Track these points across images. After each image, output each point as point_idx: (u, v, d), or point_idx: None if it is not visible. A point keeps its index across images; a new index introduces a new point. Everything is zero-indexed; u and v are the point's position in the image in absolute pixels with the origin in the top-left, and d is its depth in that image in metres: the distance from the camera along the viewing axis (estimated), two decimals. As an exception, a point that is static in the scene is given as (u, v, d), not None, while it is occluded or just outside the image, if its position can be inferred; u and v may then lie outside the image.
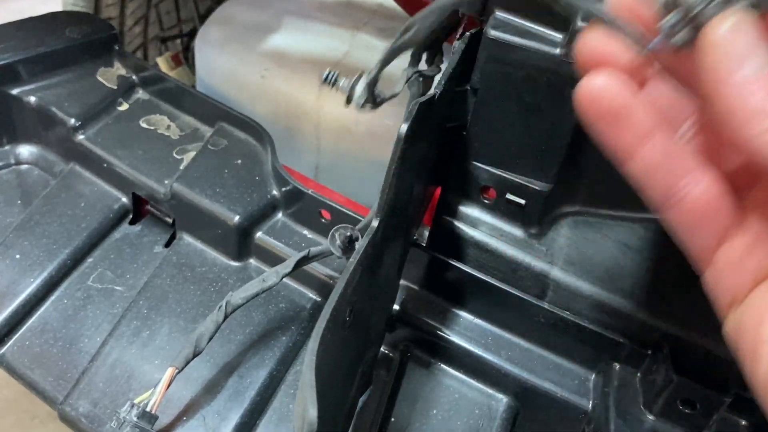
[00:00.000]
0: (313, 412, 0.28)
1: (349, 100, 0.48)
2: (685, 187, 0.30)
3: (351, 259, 0.37)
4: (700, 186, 0.30)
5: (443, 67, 0.64)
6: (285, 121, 0.80)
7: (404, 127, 0.39)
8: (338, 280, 0.36)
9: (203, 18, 1.11)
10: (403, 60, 0.70)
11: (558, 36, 0.47)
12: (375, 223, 0.40)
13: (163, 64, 1.09)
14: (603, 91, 0.30)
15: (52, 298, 0.63)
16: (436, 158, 0.55)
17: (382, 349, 0.59)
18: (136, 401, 0.50)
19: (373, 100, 0.47)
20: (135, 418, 0.49)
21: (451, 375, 0.58)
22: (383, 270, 0.47)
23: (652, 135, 0.30)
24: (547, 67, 0.47)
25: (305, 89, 0.78)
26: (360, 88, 0.47)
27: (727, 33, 0.27)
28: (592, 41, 0.31)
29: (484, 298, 0.56)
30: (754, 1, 0.28)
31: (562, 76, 0.47)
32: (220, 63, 0.84)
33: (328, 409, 0.38)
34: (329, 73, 0.49)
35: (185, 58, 1.16)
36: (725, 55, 0.27)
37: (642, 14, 0.30)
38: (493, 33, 0.48)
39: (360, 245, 0.39)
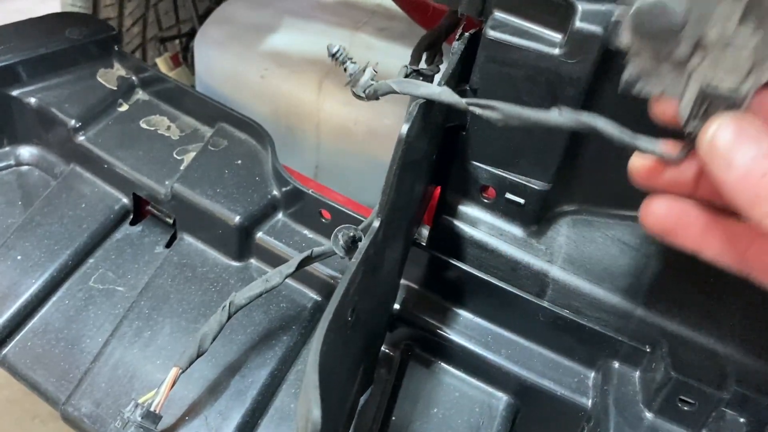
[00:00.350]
0: (316, 413, 0.28)
1: (351, 84, 0.48)
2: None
3: (353, 260, 0.38)
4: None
5: (442, 67, 0.65)
6: (285, 120, 0.80)
7: (405, 128, 0.39)
8: (340, 281, 0.36)
9: (202, 18, 1.11)
10: (404, 59, 0.70)
11: (557, 36, 0.47)
12: (376, 224, 0.41)
13: (162, 64, 1.09)
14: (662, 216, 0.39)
15: (54, 298, 0.63)
16: (436, 158, 0.55)
17: (383, 348, 0.60)
18: (140, 401, 0.51)
19: (374, 92, 0.47)
20: (139, 418, 0.50)
21: (452, 374, 0.58)
22: (384, 269, 0.47)
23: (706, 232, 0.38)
24: (546, 67, 0.48)
25: (305, 89, 0.78)
26: (366, 78, 0.47)
27: (712, 140, 0.33)
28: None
29: (484, 297, 0.57)
30: (730, 101, 0.33)
31: (561, 76, 0.47)
32: (220, 63, 0.84)
33: (331, 408, 0.39)
34: (338, 49, 0.49)
35: (184, 58, 1.16)
36: (715, 158, 0.32)
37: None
38: (492, 33, 0.48)
39: (362, 246, 0.39)
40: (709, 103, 0.34)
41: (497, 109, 0.38)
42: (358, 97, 0.47)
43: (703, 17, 0.32)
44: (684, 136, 0.35)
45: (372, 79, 0.47)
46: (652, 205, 0.39)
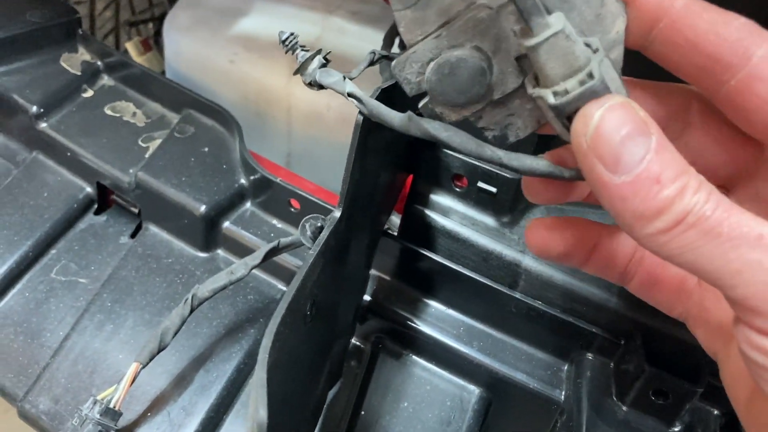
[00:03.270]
0: (262, 413, 0.26)
1: (299, 71, 0.47)
2: None
3: (310, 251, 0.36)
4: None
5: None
6: (255, 107, 0.78)
7: (360, 116, 0.38)
8: (297, 273, 0.34)
9: (173, 2, 1.09)
10: (377, 43, 0.68)
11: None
12: (337, 214, 0.39)
13: (132, 49, 1.06)
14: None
15: (14, 291, 0.61)
16: (406, 145, 0.53)
17: (353, 340, 0.58)
18: (99, 397, 0.49)
19: (317, 81, 0.47)
20: (98, 415, 0.48)
21: (423, 366, 0.57)
22: (350, 260, 0.45)
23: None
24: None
25: (275, 74, 0.76)
26: (314, 66, 0.46)
27: (596, 131, 0.25)
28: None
29: (455, 288, 0.55)
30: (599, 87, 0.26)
31: (533, 60, 0.46)
32: (188, 48, 0.82)
33: (289, 406, 0.37)
34: (288, 36, 0.48)
35: (155, 42, 1.14)
36: (592, 158, 0.26)
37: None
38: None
39: (321, 236, 0.38)
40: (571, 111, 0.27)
41: (365, 103, 0.36)
42: (308, 85, 0.46)
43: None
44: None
45: (320, 67, 0.46)
46: (532, 229, 0.35)
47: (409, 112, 0.33)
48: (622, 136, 0.25)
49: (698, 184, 0.25)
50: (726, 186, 0.32)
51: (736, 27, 0.27)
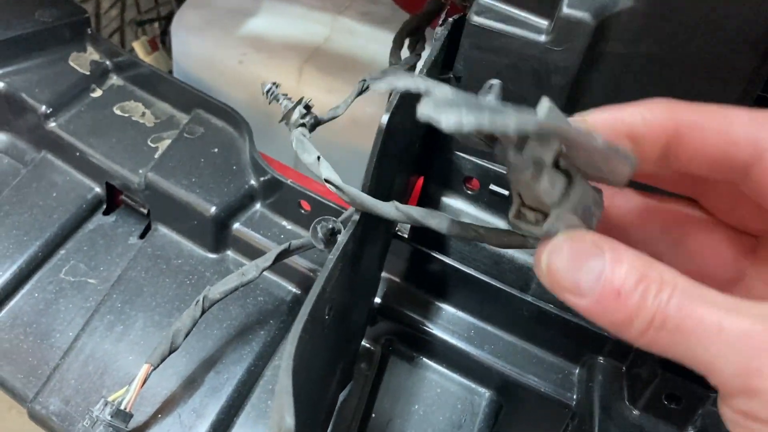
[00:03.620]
0: (290, 421, 0.26)
1: (284, 120, 0.50)
2: None
3: (330, 255, 0.36)
4: None
5: (424, 54, 0.63)
6: (264, 107, 0.78)
7: (385, 118, 0.38)
8: (317, 278, 0.34)
9: (180, 1, 1.08)
10: (387, 44, 0.68)
11: (543, 22, 0.46)
12: (356, 217, 0.39)
13: (139, 48, 1.06)
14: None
15: (23, 291, 0.61)
16: (419, 148, 0.53)
17: (363, 342, 0.58)
18: (109, 399, 0.49)
19: (312, 126, 0.49)
20: (109, 417, 0.48)
21: (434, 369, 0.57)
22: (364, 263, 0.45)
23: None
24: (532, 55, 0.46)
25: (285, 75, 0.76)
26: (296, 116, 0.48)
27: (548, 271, 0.28)
28: None
29: (467, 291, 0.55)
30: (570, 222, 0.28)
31: (548, 64, 0.46)
32: (197, 48, 0.82)
33: (306, 411, 0.37)
34: (269, 87, 0.52)
35: (162, 42, 1.13)
36: (559, 289, 0.27)
37: None
38: (477, 19, 0.47)
39: (340, 240, 0.37)
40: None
41: (345, 192, 0.38)
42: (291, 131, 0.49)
43: None
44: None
45: (303, 117, 0.49)
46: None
47: (395, 202, 0.36)
48: (573, 267, 0.27)
49: (660, 284, 0.25)
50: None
51: (742, 125, 0.28)
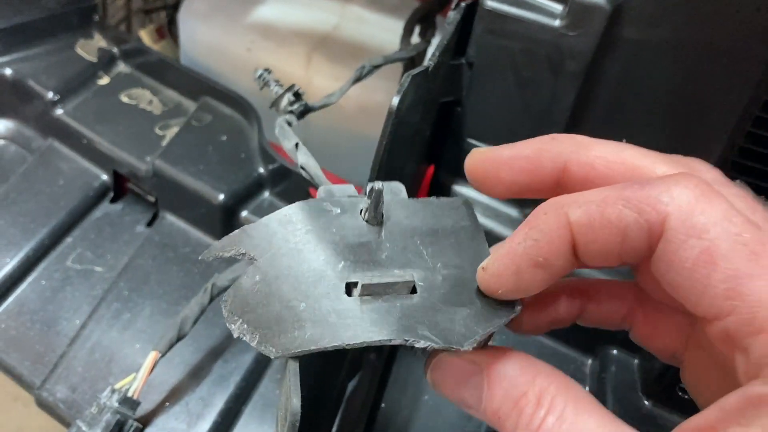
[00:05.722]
0: (296, 402, 0.26)
1: (273, 106, 0.50)
2: None
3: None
4: None
5: (434, 40, 0.62)
6: (272, 95, 0.78)
7: (396, 100, 0.37)
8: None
9: (188, -11, 1.07)
10: (396, 32, 0.67)
11: (557, 7, 0.45)
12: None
13: (146, 37, 1.05)
14: None
15: (30, 279, 0.61)
16: (429, 135, 0.52)
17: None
18: (117, 386, 0.48)
19: (301, 114, 0.49)
20: (116, 404, 0.47)
21: (443, 359, 0.56)
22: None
23: None
24: (546, 40, 0.45)
25: (293, 63, 0.75)
26: (284, 103, 0.48)
27: (437, 388, 0.28)
28: None
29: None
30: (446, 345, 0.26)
31: (562, 49, 0.45)
32: (205, 35, 0.81)
33: (313, 396, 0.37)
34: (261, 73, 0.52)
35: (169, 30, 1.13)
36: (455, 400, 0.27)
37: None
38: (490, 4, 0.46)
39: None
40: None
41: (315, 180, 0.40)
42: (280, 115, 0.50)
43: None
44: None
45: (291, 104, 0.49)
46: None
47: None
48: (455, 386, 0.27)
49: (536, 403, 0.25)
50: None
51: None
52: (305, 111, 0.51)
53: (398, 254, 0.29)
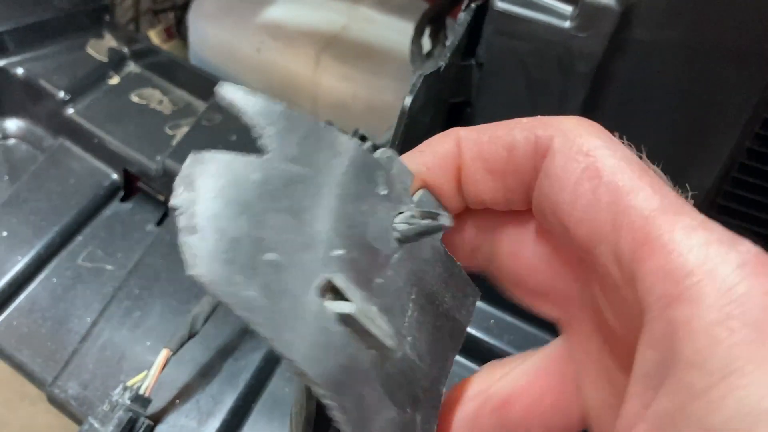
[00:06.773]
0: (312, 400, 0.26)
1: None
2: None
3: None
4: None
5: (448, 43, 0.63)
6: (281, 95, 0.78)
7: (408, 100, 0.37)
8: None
9: (197, -10, 1.08)
10: (406, 33, 0.68)
11: (568, 8, 0.45)
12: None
13: (155, 38, 1.06)
14: None
15: (41, 277, 0.61)
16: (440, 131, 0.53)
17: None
18: (128, 384, 0.49)
19: None
20: (128, 401, 0.48)
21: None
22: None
23: None
24: (557, 41, 0.45)
25: (302, 63, 0.76)
26: None
27: None
28: None
29: (486, 281, 0.55)
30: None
31: (572, 50, 0.45)
32: (214, 36, 0.82)
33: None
34: None
35: (178, 31, 1.13)
36: None
37: None
38: (500, 5, 0.46)
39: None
40: None
41: None
42: None
43: None
44: None
45: None
46: None
47: None
48: None
49: None
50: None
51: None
52: None
53: (389, 292, 0.22)
